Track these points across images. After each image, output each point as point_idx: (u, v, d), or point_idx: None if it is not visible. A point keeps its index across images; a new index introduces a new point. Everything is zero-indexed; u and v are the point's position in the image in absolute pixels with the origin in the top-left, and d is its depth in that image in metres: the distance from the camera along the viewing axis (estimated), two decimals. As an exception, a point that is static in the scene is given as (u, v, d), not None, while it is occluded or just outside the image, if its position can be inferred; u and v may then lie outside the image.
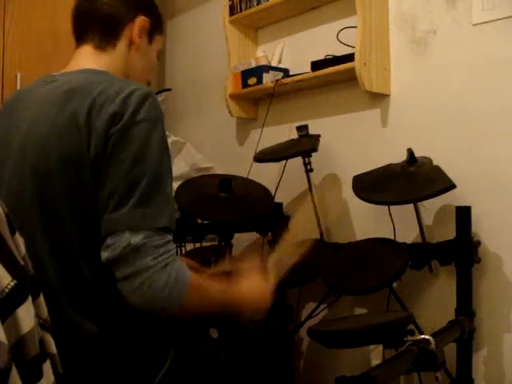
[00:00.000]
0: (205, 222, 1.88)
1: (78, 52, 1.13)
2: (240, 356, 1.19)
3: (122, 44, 1.13)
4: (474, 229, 1.53)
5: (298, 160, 1.86)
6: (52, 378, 0.66)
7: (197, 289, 0.97)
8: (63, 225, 0.95)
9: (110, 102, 0.94)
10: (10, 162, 1.02)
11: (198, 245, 1.93)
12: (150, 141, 0.95)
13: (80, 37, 1.14)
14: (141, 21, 1.14)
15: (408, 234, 1.70)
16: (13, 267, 0.60)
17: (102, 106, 0.94)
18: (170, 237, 0.94)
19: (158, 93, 2.54)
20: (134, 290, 0.90)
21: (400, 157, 1.62)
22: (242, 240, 2.12)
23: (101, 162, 0.93)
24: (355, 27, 1.76)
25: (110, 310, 0.98)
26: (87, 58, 1.11)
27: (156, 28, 1.20)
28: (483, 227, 1.56)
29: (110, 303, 0.97)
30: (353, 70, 1.71)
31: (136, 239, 0.89)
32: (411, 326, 1.22)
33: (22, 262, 0.63)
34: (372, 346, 1.80)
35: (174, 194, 1.79)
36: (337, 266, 1.62)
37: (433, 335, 1.14)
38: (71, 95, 0.98)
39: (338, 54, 1.85)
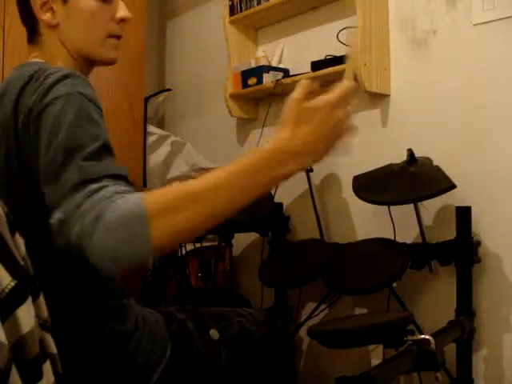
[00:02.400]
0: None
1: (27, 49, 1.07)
2: (242, 358, 1.19)
3: (42, 26, 1.03)
4: (474, 229, 1.53)
5: (298, 160, 1.85)
6: (52, 378, 0.66)
7: (163, 198, 0.76)
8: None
9: (32, 91, 0.87)
10: None
11: (198, 245, 1.94)
12: (60, 117, 0.83)
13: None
14: None
15: (408, 233, 1.70)
16: (13, 267, 0.60)
17: (23, 101, 0.87)
18: (94, 185, 0.76)
19: (157, 93, 2.54)
20: (91, 257, 0.74)
21: (400, 157, 1.62)
22: (242, 240, 2.12)
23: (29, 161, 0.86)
24: (355, 27, 1.76)
25: (104, 308, 0.98)
26: (31, 54, 1.05)
27: None
28: (483, 227, 1.56)
29: (105, 301, 0.97)
30: (353, 70, 1.71)
31: (56, 215, 0.76)
32: (411, 326, 1.22)
33: (22, 262, 0.63)
34: (372, 346, 1.80)
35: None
36: (337, 265, 1.62)
37: (433, 335, 1.14)
38: (5, 89, 0.93)
39: (338, 54, 1.85)
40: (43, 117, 0.84)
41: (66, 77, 0.87)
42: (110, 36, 1.05)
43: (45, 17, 1.01)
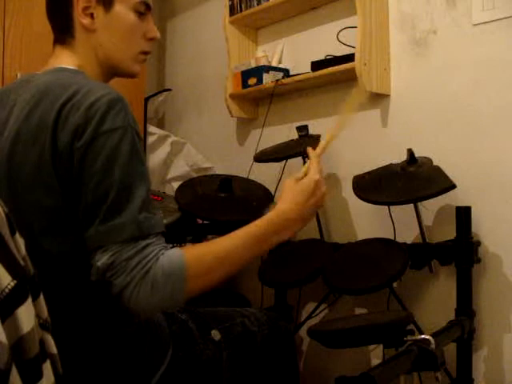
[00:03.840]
0: (205, 222, 1.88)
1: (54, 51, 1.07)
2: (244, 359, 1.19)
3: (78, 29, 1.03)
4: (474, 229, 1.53)
5: (298, 160, 1.86)
6: (52, 378, 0.66)
7: (200, 262, 0.92)
8: (34, 235, 0.91)
9: (74, 112, 0.88)
10: None
11: (198, 245, 1.93)
12: (116, 152, 0.88)
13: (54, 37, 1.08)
14: None
15: (408, 233, 1.70)
16: (13, 267, 0.60)
17: (67, 117, 0.88)
18: (144, 242, 0.87)
19: (157, 93, 2.54)
20: (130, 306, 0.87)
21: (400, 157, 1.62)
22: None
23: (68, 177, 0.88)
24: (355, 27, 1.76)
25: (106, 309, 0.98)
26: (59, 56, 1.04)
27: None
28: (483, 227, 1.56)
29: (107, 303, 0.97)
30: (353, 70, 1.71)
31: (103, 260, 0.85)
32: (411, 326, 1.22)
33: (22, 262, 0.63)
34: (372, 346, 1.80)
35: (173, 194, 1.79)
36: (337, 266, 1.62)
37: (433, 335, 1.14)
38: (39, 99, 0.93)
39: (338, 54, 1.85)
40: (97, 146, 0.87)
41: (116, 102, 0.90)
42: (142, 52, 1.09)
43: (85, 20, 1.02)
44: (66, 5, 1.03)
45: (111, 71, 1.08)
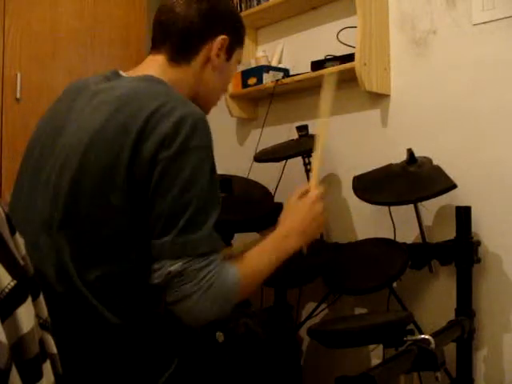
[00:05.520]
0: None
1: (151, 58, 1.10)
2: (247, 359, 1.19)
3: (198, 60, 1.10)
4: (474, 229, 1.53)
5: (298, 160, 1.86)
6: (52, 378, 0.66)
7: (248, 279, 1.00)
8: (88, 231, 0.95)
9: (163, 122, 0.92)
10: (51, 159, 1.00)
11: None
12: (200, 169, 0.93)
13: (156, 45, 1.11)
14: (221, 40, 1.10)
15: (408, 233, 1.70)
16: (13, 267, 0.60)
17: (155, 127, 0.91)
18: (211, 257, 0.94)
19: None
20: (185, 314, 0.94)
21: (400, 157, 1.62)
22: (242, 240, 2.12)
23: (143, 186, 0.92)
24: (355, 27, 1.76)
25: (111, 312, 0.97)
26: (157, 67, 1.08)
27: (237, 43, 1.16)
28: (483, 227, 1.56)
29: (114, 306, 0.97)
30: (353, 69, 1.71)
31: (175, 266, 0.91)
32: (411, 326, 1.22)
33: (22, 262, 0.63)
34: (372, 346, 1.80)
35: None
36: (337, 265, 1.62)
37: (433, 335, 1.14)
38: (124, 103, 0.95)
39: (338, 53, 1.85)
40: (184, 160, 0.92)
41: (203, 120, 0.96)
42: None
43: (216, 60, 1.11)
44: (201, 37, 1.09)
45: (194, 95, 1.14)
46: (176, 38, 1.09)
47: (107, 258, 0.95)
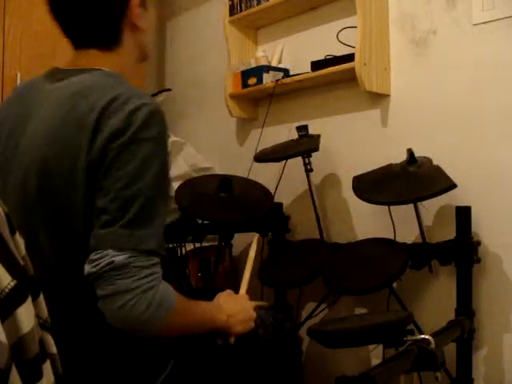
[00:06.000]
0: (205, 222, 1.88)
1: (84, 51, 1.05)
2: (248, 361, 1.18)
3: (126, 35, 1.06)
4: (474, 229, 1.53)
5: (298, 160, 1.86)
6: (52, 378, 0.66)
7: (181, 314, 0.96)
8: (62, 228, 0.94)
9: (116, 115, 0.90)
10: (18, 156, 0.99)
11: (198, 245, 1.94)
12: (150, 161, 0.90)
13: (79, 41, 1.06)
14: (134, 4, 1.04)
15: (408, 233, 1.70)
16: (13, 267, 0.60)
17: (108, 120, 0.90)
18: (156, 259, 0.91)
19: (157, 93, 2.54)
20: (115, 311, 0.87)
21: (400, 157, 1.62)
22: (242, 240, 2.12)
23: (96, 175, 0.89)
24: (355, 27, 1.76)
25: None
26: (96, 58, 1.04)
27: None
28: (483, 227, 1.56)
29: None
30: (353, 70, 1.71)
31: (120, 258, 0.86)
32: (411, 326, 1.22)
33: (22, 262, 0.63)
34: (372, 346, 1.80)
35: (173, 194, 1.79)
36: (337, 266, 1.62)
37: (433, 335, 1.14)
38: (79, 99, 0.94)
39: (338, 53, 1.85)
40: (133, 150, 0.89)
41: (157, 112, 0.93)
42: None
43: (141, 22, 1.06)
44: (114, 14, 1.03)
45: (141, 61, 1.15)
46: (85, 27, 1.03)
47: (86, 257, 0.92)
